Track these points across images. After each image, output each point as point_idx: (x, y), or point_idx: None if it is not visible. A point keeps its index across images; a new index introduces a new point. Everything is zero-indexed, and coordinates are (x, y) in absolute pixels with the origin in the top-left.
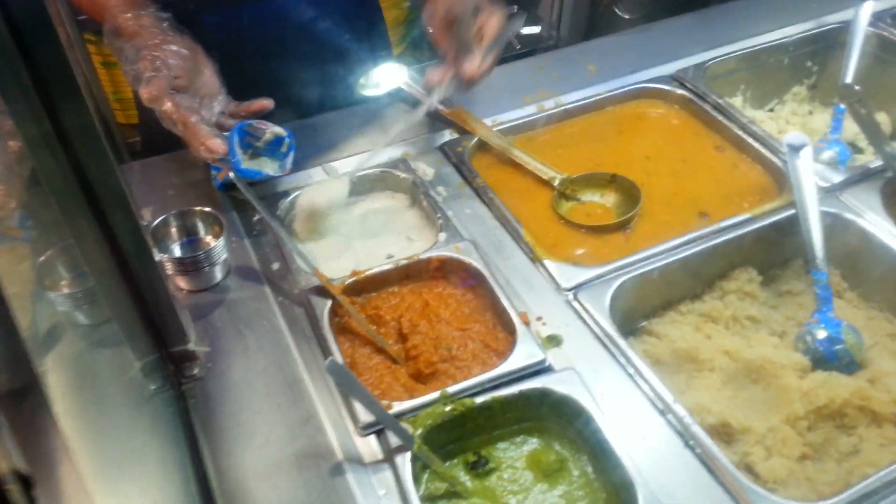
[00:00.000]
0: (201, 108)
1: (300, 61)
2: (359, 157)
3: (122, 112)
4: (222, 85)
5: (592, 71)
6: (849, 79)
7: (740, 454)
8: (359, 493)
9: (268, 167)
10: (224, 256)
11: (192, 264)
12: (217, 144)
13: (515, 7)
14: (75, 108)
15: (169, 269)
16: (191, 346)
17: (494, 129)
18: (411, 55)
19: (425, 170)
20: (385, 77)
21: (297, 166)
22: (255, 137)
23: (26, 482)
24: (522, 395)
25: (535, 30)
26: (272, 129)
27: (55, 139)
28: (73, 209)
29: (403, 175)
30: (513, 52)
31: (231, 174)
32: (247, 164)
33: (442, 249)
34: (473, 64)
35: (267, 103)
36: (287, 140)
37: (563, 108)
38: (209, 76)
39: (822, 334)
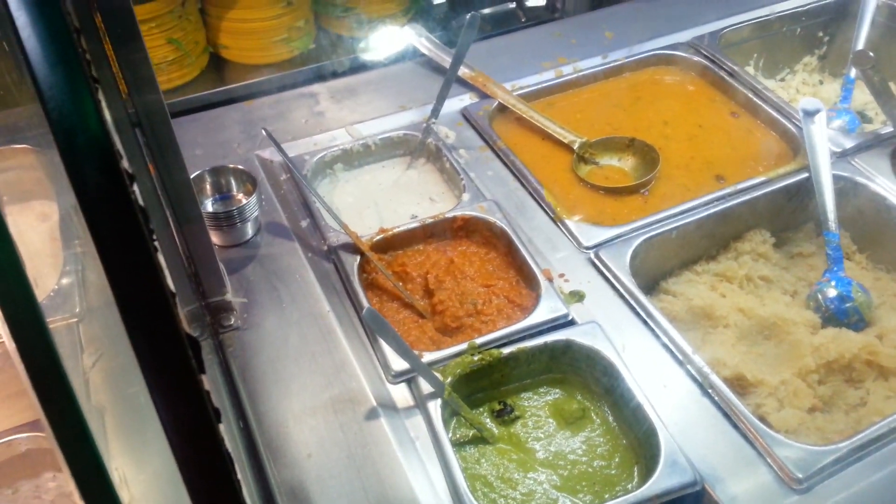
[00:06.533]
0: None
1: None
2: (382, 119)
3: None
4: None
5: (609, 37)
6: (860, 47)
7: (753, 405)
8: (393, 436)
9: None
10: (256, 213)
11: (227, 219)
12: None
13: None
14: (137, 55)
15: None
16: (228, 296)
17: (514, 93)
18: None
19: (447, 133)
20: (387, 40)
21: (323, 129)
22: None
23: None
24: (547, 347)
25: (540, 1)
26: None
27: (114, 82)
28: (128, 154)
29: (425, 138)
30: (518, 24)
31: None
32: None
33: (465, 209)
34: None
35: None
36: None
37: (581, 73)
38: None
39: (832, 292)
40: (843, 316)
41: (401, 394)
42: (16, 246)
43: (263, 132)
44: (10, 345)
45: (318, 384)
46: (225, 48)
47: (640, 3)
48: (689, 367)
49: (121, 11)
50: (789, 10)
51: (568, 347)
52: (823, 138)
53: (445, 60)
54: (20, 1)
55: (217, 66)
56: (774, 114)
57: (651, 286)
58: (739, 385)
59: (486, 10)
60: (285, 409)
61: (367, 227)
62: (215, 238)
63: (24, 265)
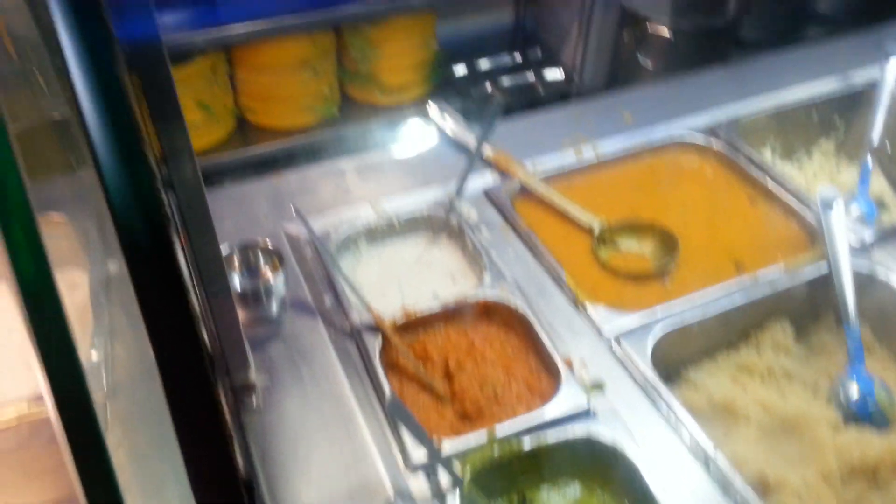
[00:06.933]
0: None
1: None
2: (405, 195)
3: None
4: None
5: (628, 120)
6: (876, 137)
7: None
8: None
9: None
10: (282, 291)
11: (254, 297)
12: None
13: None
14: (176, 129)
15: None
16: (252, 376)
17: (535, 172)
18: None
19: (469, 211)
20: (415, 133)
21: (349, 203)
22: None
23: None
24: (567, 443)
25: (558, 76)
26: None
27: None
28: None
29: (448, 216)
30: (537, 96)
31: None
32: None
33: (486, 290)
34: None
35: None
36: None
37: (601, 155)
38: None
39: (854, 391)
40: (866, 415)
41: (419, 484)
42: (69, 323)
43: (293, 210)
44: (56, 421)
45: (337, 472)
46: (252, 112)
47: (659, 86)
48: (710, 465)
49: (162, 84)
50: (805, 97)
51: (588, 443)
52: (842, 229)
53: (469, 137)
54: (84, 86)
55: (244, 130)
56: (792, 201)
57: (672, 374)
58: (762, 484)
59: (506, 83)
60: (304, 500)
61: (389, 304)
62: (241, 315)
63: (76, 344)
